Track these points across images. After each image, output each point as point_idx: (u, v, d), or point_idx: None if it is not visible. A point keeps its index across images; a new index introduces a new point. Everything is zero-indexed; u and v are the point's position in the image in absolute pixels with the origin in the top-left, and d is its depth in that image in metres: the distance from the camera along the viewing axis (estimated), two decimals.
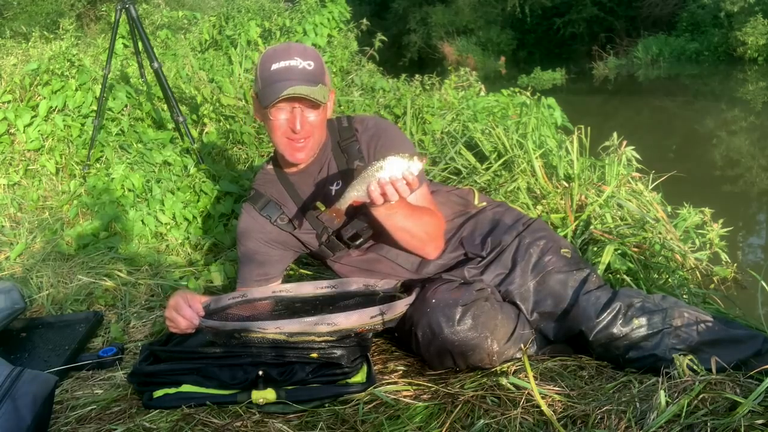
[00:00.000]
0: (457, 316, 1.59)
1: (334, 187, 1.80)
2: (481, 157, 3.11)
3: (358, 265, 1.87)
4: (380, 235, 1.81)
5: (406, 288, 1.78)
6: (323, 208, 1.80)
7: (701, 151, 6.86)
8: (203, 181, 2.97)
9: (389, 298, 1.76)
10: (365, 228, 1.80)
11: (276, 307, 1.84)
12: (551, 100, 4.07)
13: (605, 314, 1.62)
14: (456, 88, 4.59)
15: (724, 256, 2.92)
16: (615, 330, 1.61)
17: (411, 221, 1.70)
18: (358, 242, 1.82)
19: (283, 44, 1.70)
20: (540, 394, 1.43)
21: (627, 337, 1.60)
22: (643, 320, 1.60)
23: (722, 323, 1.62)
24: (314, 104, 1.66)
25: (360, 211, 1.79)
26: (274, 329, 1.54)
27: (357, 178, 1.58)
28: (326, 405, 1.54)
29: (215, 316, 1.71)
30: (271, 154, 1.96)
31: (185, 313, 1.60)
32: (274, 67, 1.63)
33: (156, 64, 3.18)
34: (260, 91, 1.68)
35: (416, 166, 1.54)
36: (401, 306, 1.64)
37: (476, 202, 1.96)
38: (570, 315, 1.67)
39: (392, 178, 1.53)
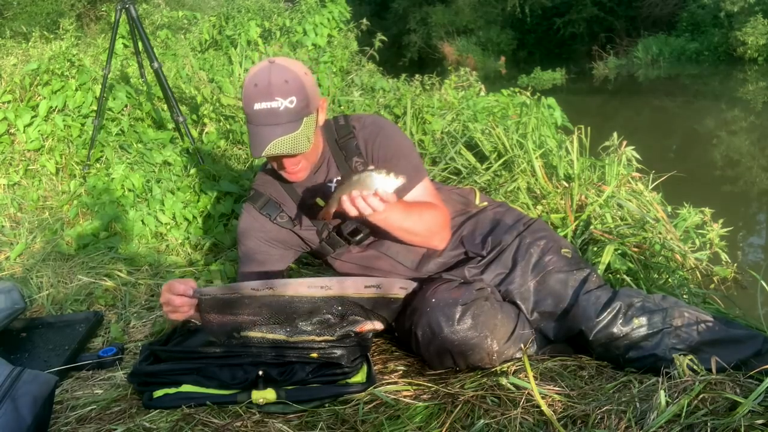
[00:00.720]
0: (457, 316, 1.59)
1: (333, 184, 1.81)
2: (481, 157, 3.11)
3: (358, 262, 1.87)
4: (380, 232, 1.81)
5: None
6: (323, 204, 1.81)
7: (701, 151, 6.86)
8: (203, 181, 2.98)
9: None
10: (364, 224, 1.80)
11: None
12: (551, 100, 4.07)
13: (605, 314, 1.62)
14: (456, 88, 4.59)
15: (724, 256, 2.92)
16: (615, 330, 1.61)
17: (409, 221, 1.70)
18: (358, 238, 1.83)
19: (263, 75, 1.62)
20: (540, 394, 1.43)
21: (627, 337, 1.60)
22: (643, 320, 1.60)
23: (722, 323, 1.62)
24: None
25: None
26: (266, 290, 1.53)
27: (338, 187, 1.60)
28: (326, 405, 1.53)
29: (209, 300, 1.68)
30: None
31: (178, 288, 1.57)
32: (257, 107, 1.61)
33: (156, 64, 3.18)
34: (248, 128, 1.68)
35: (391, 183, 1.54)
36: (396, 287, 1.63)
37: (477, 201, 1.97)
38: (570, 315, 1.67)
39: (365, 194, 1.53)
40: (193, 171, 3.08)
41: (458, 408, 1.46)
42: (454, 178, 3.02)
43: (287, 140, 1.61)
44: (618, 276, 2.13)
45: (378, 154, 1.79)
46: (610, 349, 1.62)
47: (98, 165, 3.50)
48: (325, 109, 1.78)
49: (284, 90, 1.61)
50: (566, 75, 14.14)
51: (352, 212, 1.56)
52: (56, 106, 3.84)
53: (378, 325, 1.65)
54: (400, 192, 1.75)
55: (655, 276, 2.24)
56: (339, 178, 1.81)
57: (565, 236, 2.40)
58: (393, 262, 1.83)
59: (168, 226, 2.88)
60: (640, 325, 1.60)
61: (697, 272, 2.65)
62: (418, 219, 1.72)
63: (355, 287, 1.57)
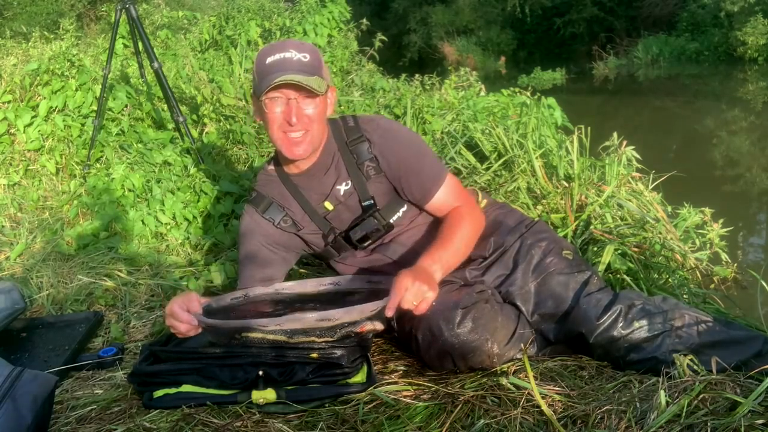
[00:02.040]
0: (457, 319, 1.58)
1: (342, 187, 1.78)
2: (481, 157, 3.11)
3: (362, 265, 1.87)
4: (388, 238, 1.81)
5: None
6: (331, 208, 1.79)
7: (701, 151, 6.87)
8: (203, 181, 2.98)
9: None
10: (375, 230, 1.79)
11: (277, 307, 1.84)
12: (551, 100, 4.07)
13: (606, 316, 1.62)
14: (456, 88, 4.59)
15: (724, 256, 2.92)
16: (616, 332, 1.61)
17: (452, 258, 1.66)
18: (366, 243, 1.81)
19: (280, 41, 1.69)
20: (540, 394, 1.43)
21: (628, 340, 1.60)
22: (643, 322, 1.60)
23: (723, 325, 1.61)
24: (310, 94, 1.62)
25: (369, 213, 1.78)
26: (275, 326, 1.52)
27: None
28: (326, 405, 1.53)
29: (216, 315, 1.69)
30: (272, 155, 1.93)
31: (183, 318, 1.54)
32: (269, 60, 1.61)
33: (156, 64, 3.18)
34: (256, 84, 1.65)
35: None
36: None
37: (479, 202, 1.96)
38: (570, 317, 1.67)
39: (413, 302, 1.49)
40: (193, 171, 3.08)
41: (458, 408, 1.46)
42: None
43: (300, 77, 1.58)
44: (618, 276, 2.13)
45: (397, 160, 1.75)
46: (611, 351, 1.62)
47: (98, 165, 3.50)
48: (335, 99, 1.75)
49: (299, 46, 1.62)
50: (566, 75, 14.15)
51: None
52: (56, 106, 3.84)
53: (378, 326, 1.64)
54: (427, 195, 1.77)
55: (656, 276, 2.23)
56: (348, 181, 1.77)
57: (565, 236, 2.39)
58: (397, 266, 1.82)
59: (168, 226, 2.88)
60: (640, 328, 1.60)
61: (697, 272, 2.64)
62: (455, 249, 1.68)
63: (360, 313, 1.53)
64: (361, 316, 1.53)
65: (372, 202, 1.78)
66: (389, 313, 1.47)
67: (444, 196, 1.78)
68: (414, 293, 1.47)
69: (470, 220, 1.75)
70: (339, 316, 1.50)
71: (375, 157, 1.75)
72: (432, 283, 1.51)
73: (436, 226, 1.79)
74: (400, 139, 1.78)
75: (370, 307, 1.52)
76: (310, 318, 1.51)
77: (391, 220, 1.81)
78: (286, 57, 1.60)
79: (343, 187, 1.78)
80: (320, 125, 1.69)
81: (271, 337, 1.56)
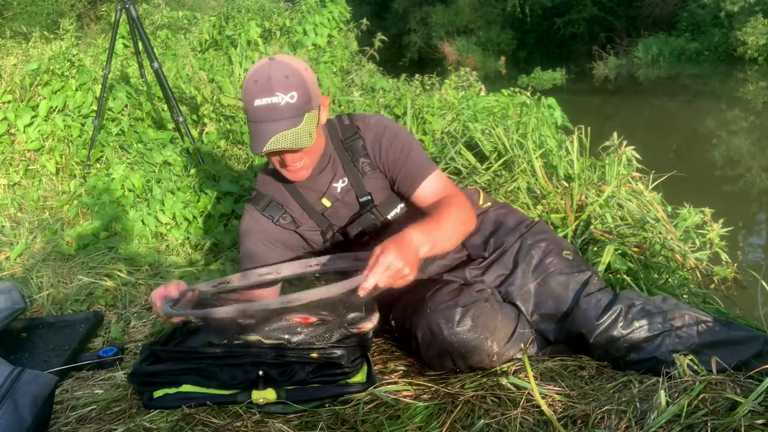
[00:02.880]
0: (457, 318, 1.59)
1: (339, 185, 1.80)
2: (481, 157, 3.11)
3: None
4: (386, 234, 1.81)
5: None
6: (329, 205, 1.80)
7: (701, 151, 6.86)
8: (203, 181, 2.98)
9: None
10: (372, 226, 1.80)
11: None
12: (551, 100, 4.07)
13: (606, 317, 1.62)
14: (456, 88, 4.59)
15: (724, 256, 2.92)
16: (615, 332, 1.61)
17: (440, 236, 1.55)
18: (364, 240, 1.82)
19: (263, 71, 1.60)
20: (540, 394, 1.43)
21: (627, 340, 1.60)
22: (643, 322, 1.60)
23: (723, 325, 1.61)
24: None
25: (367, 209, 1.79)
26: (238, 312, 1.47)
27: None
28: (326, 405, 1.53)
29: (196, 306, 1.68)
30: None
31: (156, 305, 1.58)
32: (257, 103, 1.59)
33: (156, 64, 3.18)
34: (248, 126, 1.65)
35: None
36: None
37: (481, 203, 1.96)
38: (570, 317, 1.67)
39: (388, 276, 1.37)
40: (193, 171, 3.08)
41: (458, 408, 1.46)
42: (455, 178, 3.02)
43: (288, 135, 1.58)
44: (618, 276, 2.13)
45: (386, 154, 1.78)
46: (611, 351, 1.62)
47: (98, 165, 3.50)
48: (327, 107, 1.76)
49: (285, 85, 1.58)
50: (566, 75, 14.14)
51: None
52: (56, 106, 3.84)
53: (374, 319, 1.61)
54: (414, 185, 1.74)
55: (656, 276, 2.23)
56: (345, 179, 1.79)
57: (565, 236, 2.39)
58: None
59: (168, 226, 2.88)
60: (640, 328, 1.60)
61: (697, 272, 2.65)
62: (446, 227, 1.59)
63: (327, 292, 1.40)
64: (327, 295, 1.41)
65: (369, 198, 1.80)
66: (362, 293, 1.37)
67: (431, 188, 1.76)
68: (391, 273, 1.37)
69: (461, 208, 1.68)
70: (302, 297, 1.39)
71: (368, 153, 1.78)
72: (412, 260, 1.41)
73: None
74: (388, 133, 1.79)
75: (338, 288, 1.39)
76: (273, 302, 1.45)
77: (389, 216, 1.82)
78: (273, 103, 1.57)
79: (339, 185, 1.80)
80: (316, 149, 1.73)
81: (268, 342, 1.56)
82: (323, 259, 1.86)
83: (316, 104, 1.66)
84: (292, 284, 2.10)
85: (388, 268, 1.37)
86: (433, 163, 1.82)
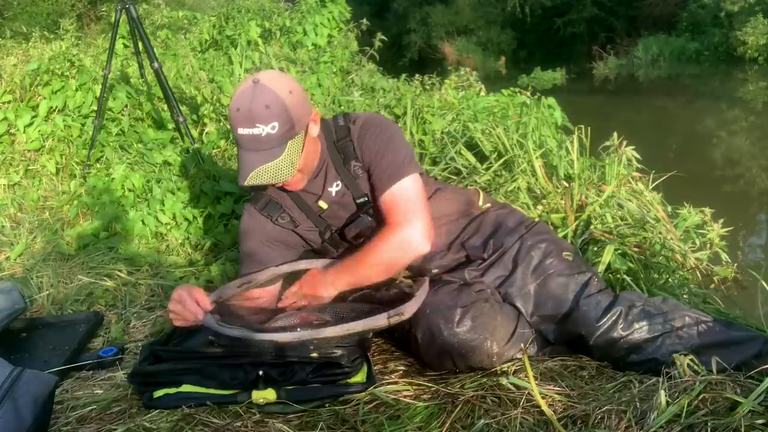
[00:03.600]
0: (456, 318, 1.58)
1: (333, 188, 1.79)
2: (482, 157, 3.10)
3: None
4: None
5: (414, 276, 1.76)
6: (326, 207, 1.80)
7: (701, 151, 6.86)
8: (203, 181, 2.97)
9: (397, 297, 1.70)
10: (369, 227, 1.79)
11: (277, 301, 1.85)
12: (551, 100, 4.06)
13: (606, 318, 1.62)
14: (456, 88, 4.58)
15: (724, 256, 2.92)
16: (616, 334, 1.61)
17: (356, 281, 1.74)
18: (361, 240, 1.82)
19: (245, 99, 1.58)
20: (540, 394, 1.43)
21: (628, 341, 1.60)
22: (644, 324, 1.60)
23: (723, 326, 1.62)
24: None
25: (364, 210, 1.79)
26: (269, 341, 1.54)
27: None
28: (326, 405, 1.53)
29: (221, 307, 1.71)
30: None
31: (191, 308, 1.63)
32: (240, 132, 1.59)
33: (156, 64, 3.18)
34: (237, 150, 1.68)
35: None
36: (410, 310, 1.58)
37: (481, 203, 1.96)
38: (571, 319, 1.66)
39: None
40: (193, 171, 3.08)
41: (458, 408, 1.46)
42: (455, 178, 3.02)
43: (269, 168, 1.58)
44: (618, 276, 2.13)
45: (368, 151, 1.75)
46: (611, 352, 1.62)
47: (98, 165, 3.50)
48: (318, 120, 1.73)
49: (265, 116, 1.56)
50: (566, 75, 14.13)
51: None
52: (56, 107, 3.84)
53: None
54: (380, 189, 1.72)
55: (656, 276, 2.23)
56: (338, 182, 1.78)
57: (566, 236, 2.39)
58: None
59: (168, 226, 2.88)
60: (640, 329, 1.60)
61: (698, 272, 2.64)
62: (363, 274, 1.73)
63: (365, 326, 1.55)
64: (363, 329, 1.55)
65: (366, 199, 1.79)
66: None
67: (392, 198, 1.71)
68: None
69: (396, 245, 1.69)
70: (336, 332, 1.52)
71: (357, 156, 1.76)
72: (314, 299, 1.74)
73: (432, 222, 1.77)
74: (373, 129, 1.76)
75: (376, 322, 1.54)
76: (305, 335, 1.53)
77: None
78: (254, 134, 1.57)
79: (334, 189, 1.79)
80: (311, 159, 1.73)
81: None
82: (328, 261, 1.87)
83: (301, 128, 1.64)
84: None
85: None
86: (411, 166, 1.74)
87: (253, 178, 1.59)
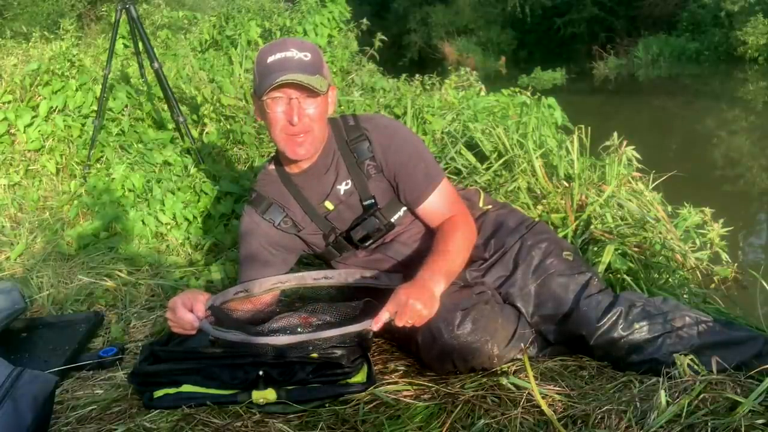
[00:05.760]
0: (457, 321, 1.58)
1: (342, 187, 1.77)
2: (482, 157, 3.10)
3: (363, 265, 1.86)
4: (390, 237, 1.81)
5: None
6: (332, 208, 1.79)
7: (701, 151, 6.86)
8: (203, 181, 2.97)
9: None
10: (376, 230, 1.78)
11: (276, 306, 1.84)
12: (551, 100, 4.06)
13: (606, 318, 1.62)
14: (456, 88, 4.59)
15: (724, 256, 2.92)
16: (616, 334, 1.61)
17: (451, 267, 1.64)
18: (367, 243, 1.81)
19: (280, 39, 1.67)
20: (540, 394, 1.43)
21: (628, 341, 1.60)
22: (644, 324, 1.60)
23: (723, 326, 1.62)
24: (312, 93, 1.60)
25: (371, 212, 1.78)
26: (268, 342, 1.55)
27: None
28: (326, 405, 1.53)
29: (217, 311, 1.69)
30: (272, 154, 1.93)
31: (186, 318, 1.57)
32: (270, 59, 1.60)
33: (156, 65, 3.18)
34: (257, 85, 1.64)
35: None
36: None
37: (481, 204, 1.95)
38: (571, 319, 1.66)
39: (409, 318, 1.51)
40: (193, 171, 3.08)
41: (458, 408, 1.46)
42: (455, 178, 3.02)
43: (302, 77, 1.56)
44: (618, 276, 2.13)
45: (394, 159, 1.75)
46: (611, 352, 1.62)
47: (98, 165, 3.50)
48: (335, 98, 1.74)
49: (300, 45, 1.61)
50: (566, 75, 14.13)
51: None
52: (56, 107, 3.84)
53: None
54: (420, 198, 1.75)
55: (656, 276, 2.23)
56: (348, 181, 1.76)
57: (566, 236, 2.39)
58: (398, 265, 1.82)
59: (168, 226, 2.88)
60: (641, 329, 1.60)
61: (698, 272, 2.64)
62: (453, 261, 1.66)
63: (359, 329, 1.54)
64: (347, 333, 1.56)
65: (373, 201, 1.77)
66: (375, 327, 1.49)
67: (436, 202, 1.76)
68: (409, 313, 1.48)
69: (464, 230, 1.73)
70: (328, 335, 1.54)
71: (374, 156, 1.75)
72: (429, 300, 1.51)
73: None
74: (397, 138, 1.77)
75: (357, 328, 1.53)
76: (303, 338, 1.55)
77: (392, 219, 1.80)
78: (287, 56, 1.59)
79: (343, 187, 1.77)
80: (321, 125, 1.69)
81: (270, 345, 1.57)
82: (332, 272, 1.87)
83: (328, 78, 1.66)
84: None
85: (411, 311, 1.48)
86: (440, 172, 1.81)
87: (286, 77, 1.54)
